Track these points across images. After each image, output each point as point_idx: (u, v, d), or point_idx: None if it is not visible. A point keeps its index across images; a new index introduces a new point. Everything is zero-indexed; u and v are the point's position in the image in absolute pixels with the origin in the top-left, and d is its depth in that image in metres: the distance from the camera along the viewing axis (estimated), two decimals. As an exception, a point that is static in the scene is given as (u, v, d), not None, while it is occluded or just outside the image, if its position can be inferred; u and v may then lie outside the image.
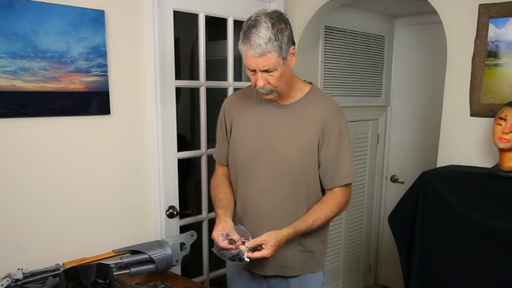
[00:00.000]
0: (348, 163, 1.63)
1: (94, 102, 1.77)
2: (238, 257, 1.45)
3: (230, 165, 1.72)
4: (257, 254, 1.45)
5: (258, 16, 1.42)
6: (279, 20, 1.43)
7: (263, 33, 1.39)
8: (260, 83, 1.47)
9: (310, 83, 1.68)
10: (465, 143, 2.12)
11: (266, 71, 1.45)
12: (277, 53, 1.42)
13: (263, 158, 1.60)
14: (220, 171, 1.79)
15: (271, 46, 1.40)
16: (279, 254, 1.54)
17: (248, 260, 1.45)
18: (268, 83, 1.48)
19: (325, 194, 1.65)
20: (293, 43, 1.49)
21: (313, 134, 1.58)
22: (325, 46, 2.95)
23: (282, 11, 2.47)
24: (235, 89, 2.36)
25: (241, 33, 1.44)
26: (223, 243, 1.46)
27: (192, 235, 1.90)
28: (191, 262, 2.58)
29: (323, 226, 1.64)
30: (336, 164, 1.60)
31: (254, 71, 1.47)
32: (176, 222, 2.19)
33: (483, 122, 2.04)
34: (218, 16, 2.28)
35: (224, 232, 1.48)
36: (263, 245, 1.46)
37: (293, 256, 1.64)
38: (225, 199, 1.66)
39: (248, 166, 1.63)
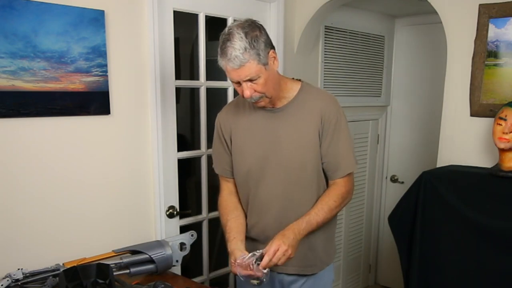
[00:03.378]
0: (349, 153, 1.62)
1: (94, 102, 1.77)
2: (260, 280, 1.41)
3: (236, 177, 1.69)
4: (268, 258, 1.41)
5: (230, 29, 1.44)
6: (252, 29, 1.43)
7: (238, 44, 1.40)
8: (247, 93, 1.46)
9: (299, 80, 1.66)
10: (465, 143, 2.12)
11: (250, 80, 1.45)
12: (255, 61, 1.42)
13: (272, 165, 1.59)
14: (226, 189, 1.74)
15: (248, 55, 1.40)
16: (301, 253, 1.53)
17: (265, 271, 1.41)
18: (255, 91, 1.47)
19: (328, 186, 1.64)
20: (272, 47, 1.49)
21: (314, 130, 1.57)
22: (325, 46, 2.94)
23: (282, 11, 2.53)
24: (235, 89, 2.36)
25: (218, 49, 1.45)
26: (244, 271, 1.43)
27: (192, 235, 1.90)
28: (191, 262, 2.58)
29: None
30: (337, 156, 1.60)
31: (239, 82, 1.47)
32: (176, 222, 2.19)
33: (483, 122, 2.04)
34: (218, 16, 2.27)
35: (242, 262, 1.44)
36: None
37: (314, 254, 1.64)
38: (234, 228, 1.61)
39: (257, 176, 1.61)
